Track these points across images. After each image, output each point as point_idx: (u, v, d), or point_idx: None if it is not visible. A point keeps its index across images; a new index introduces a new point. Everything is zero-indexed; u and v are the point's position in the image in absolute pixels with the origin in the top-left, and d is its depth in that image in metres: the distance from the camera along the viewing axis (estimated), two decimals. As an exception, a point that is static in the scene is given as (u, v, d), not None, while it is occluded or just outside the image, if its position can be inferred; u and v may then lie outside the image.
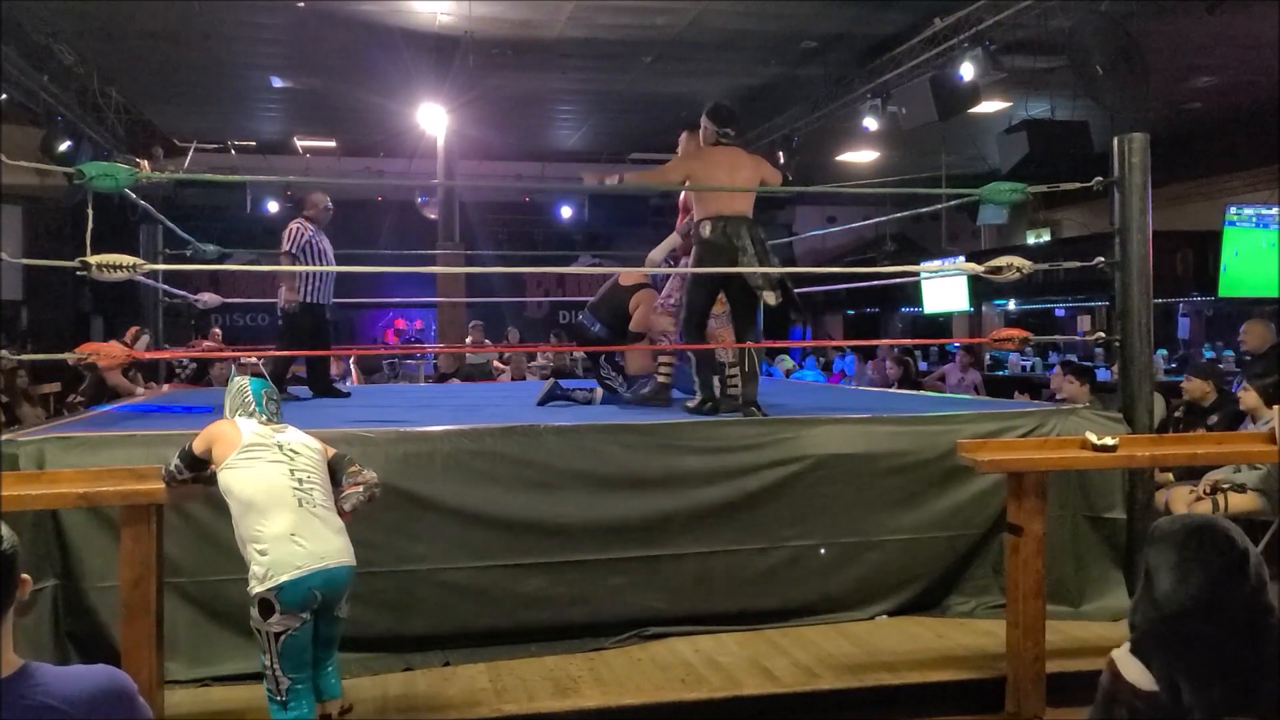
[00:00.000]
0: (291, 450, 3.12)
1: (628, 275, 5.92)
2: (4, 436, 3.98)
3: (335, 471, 3.20)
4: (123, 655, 3.18)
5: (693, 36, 9.47)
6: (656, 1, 8.61)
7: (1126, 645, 1.93)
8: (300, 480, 3.04)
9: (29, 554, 3.04)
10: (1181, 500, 5.21)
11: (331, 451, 3.26)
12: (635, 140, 14.43)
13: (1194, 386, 5.75)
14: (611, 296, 5.86)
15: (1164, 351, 11.89)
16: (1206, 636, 1.88)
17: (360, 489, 3.14)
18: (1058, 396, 6.94)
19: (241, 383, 3.37)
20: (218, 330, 12.65)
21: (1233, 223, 10.81)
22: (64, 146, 9.55)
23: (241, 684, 3.66)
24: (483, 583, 4.10)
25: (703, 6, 8.67)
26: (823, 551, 4.38)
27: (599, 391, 5.88)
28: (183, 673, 3.74)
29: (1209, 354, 12.07)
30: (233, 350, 9.21)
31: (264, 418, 3.26)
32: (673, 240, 5.68)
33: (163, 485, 3.24)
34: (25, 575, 1.77)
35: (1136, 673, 1.85)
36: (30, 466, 3.70)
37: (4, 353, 4.41)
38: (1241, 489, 5.07)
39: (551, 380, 6.03)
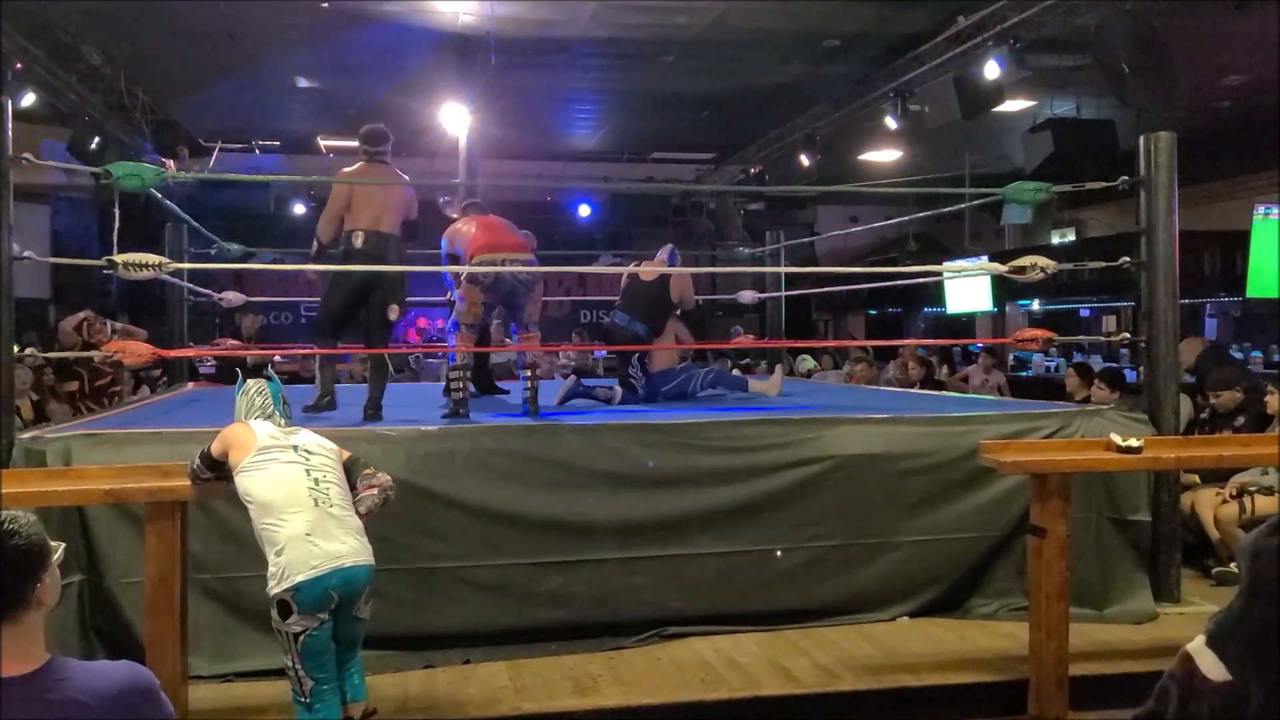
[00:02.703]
0: (306, 451, 3.13)
1: (647, 271, 6.03)
2: (31, 433, 4.03)
3: (350, 474, 3.20)
4: (147, 650, 3.21)
5: (715, 35, 9.45)
6: (678, 1, 8.60)
7: (1201, 638, 1.91)
8: (316, 480, 3.05)
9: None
10: (1208, 503, 5.16)
11: (346, 454, 3.27)
12: (657, 139, 14.43)
13: (1224, 400, 5.66)
14: (646, 293, 5.92)
15: (1190, 352, 11.75)
16: (1271, 617, 1.85)
17: (375, 491, 3.15)
18: (1077, 398, 6.87)
19: (258, 385, 3.36)
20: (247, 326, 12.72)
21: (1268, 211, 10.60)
22: (92, 146, 9.68)
23: (264, 680, 3.68)
24: (503, 581, 4.11)
25: (725, 6, 8.65)
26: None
27: (619, 390, 5.91)
28: (206, 668, 3.77)
29: (1236, 355, 11.92)
30: (259, 349, 9.27)
31: (282, 420, 3.27)
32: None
33: (186, 482, 3.27)
34: (47, 579, 1.78)
35: (1210, 663, 1.84)
36: (57, 463, 3.75)
37: (31, 350, 4.47)
38: (1269, 491, 5.01)
39: (573, 378, 6.06)
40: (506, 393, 6.51)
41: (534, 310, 5.22)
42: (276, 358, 10.05)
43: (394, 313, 4.89)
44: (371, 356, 5.11)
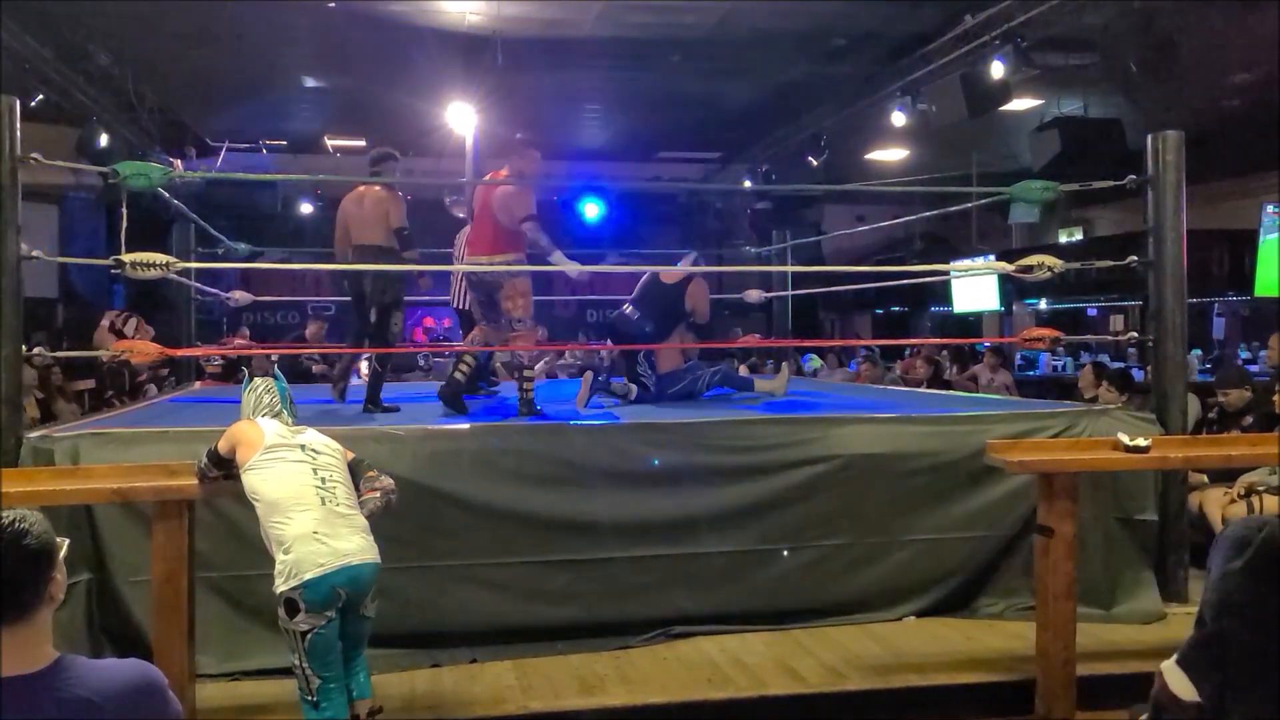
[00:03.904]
0: (313, 450, 3.14)
1: (669, 273, 6.03)
2: (39, 432, 4.04)
3: (353, 475, 3.21)
4: (154, 649, 3.22)
5: (721, 35, 9.44)
6: (685, 0, 8.59)
7: (1173, 658, 1.93)
8: (324, 479, 3.06)
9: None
10: (1215, 503, 5.14)
11: (350, 454, 3.28)
12: (663, 139, 14.42)
13: (1232, 399, 5.64)
14: (663, 296, 5.94)
15: (1198, 351, 11.72)
16: (1244, 637, 1.86)
17: (377, 495, 3.16)
18: (1086, 396, 6.85)
19: (266, 383, 3.38)
20: (246, 330, 12.76)
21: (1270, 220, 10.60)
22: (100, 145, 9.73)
23: (272, 679, 3.69)
24: (509, 580, 4.12)
25: (731, 5, 8.64)
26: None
27: (633, 387, 5.92)
28: (214, 667, 3.78)
29: (1244, 354, 11.89)
30: (264, 348, 9.29)
31: (289, 419, 3.28)
32: None
33: (194, 481, 3.28)
34: (58, 575, 1.80)
35: (1179, 683, 1.87)
36: (65, 462, 3.76)
37: (39, 350, 4.48)
38: (1277, 491, 4.99)
39: (590, 375, 6.05)
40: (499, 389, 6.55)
41: (511, 307, 5.13)
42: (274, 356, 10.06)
43: (396, 321, 5.43)
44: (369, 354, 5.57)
